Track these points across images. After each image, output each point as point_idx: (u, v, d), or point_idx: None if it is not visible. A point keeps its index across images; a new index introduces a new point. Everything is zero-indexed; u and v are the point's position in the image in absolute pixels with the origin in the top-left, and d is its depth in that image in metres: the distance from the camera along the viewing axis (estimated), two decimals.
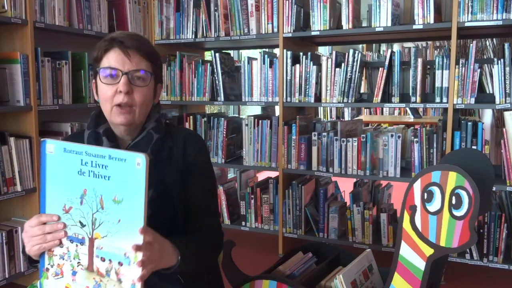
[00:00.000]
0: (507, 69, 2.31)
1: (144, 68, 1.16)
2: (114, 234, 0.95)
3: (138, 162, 0.92)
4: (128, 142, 1.21)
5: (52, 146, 0.99)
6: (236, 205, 3.12)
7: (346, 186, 3.23)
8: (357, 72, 2.62)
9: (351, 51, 2.62)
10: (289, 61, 2.76)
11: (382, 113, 5.95)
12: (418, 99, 2.52)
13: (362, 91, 3.20)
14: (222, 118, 2.99)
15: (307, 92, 2.75)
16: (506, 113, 2.29)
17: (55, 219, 0.99)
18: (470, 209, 1.16)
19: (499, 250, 2.39)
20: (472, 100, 2.37)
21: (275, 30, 2.78)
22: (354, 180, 3.06)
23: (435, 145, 2.49)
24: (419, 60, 2.52)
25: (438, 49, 5.60)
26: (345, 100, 2.65)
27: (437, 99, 2.47)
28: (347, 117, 6.15)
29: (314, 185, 2.94)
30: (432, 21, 2.43)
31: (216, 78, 2.96)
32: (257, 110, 4.48)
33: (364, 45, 6.78)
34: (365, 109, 6.01)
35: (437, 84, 2.47)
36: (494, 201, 2.52)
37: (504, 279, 2.56)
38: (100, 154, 0.95)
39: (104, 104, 1.16)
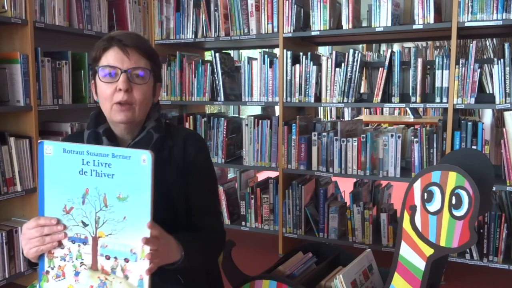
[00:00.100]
0: (507, 69, 2.31)
1: (143, 66, 1.16)
2: (119, 231, 0.96)
3: (143, 158, 0.93)
4: (128, 142, 1.21)
5: (50, 147, 0.99)
6: (236, 205, 3.12)
7: (346, 186, 3.23)
8: (357, 72, 2.62)
9: (351, 51, 2.62)
10: (289, 61, 2.76)
11: (382, 113, 5.95)
12: (418, 99, 2.52)
13: (362, 91, 3.20)
14: (222, 118, 2.99)
15: (307, 92, 2.75)
16: (506, 113, 2.29)
17: (54, 222, 0.99)
18: (470, 209, 1.16)
19: (499, 250, 2.39)
20: (472, 100, 2.37)
21: (275, 30, 2.78)
22: (354, 180, 3.06)
23: (435, 145, 2.49)
24: (419, 60, 2.52)
25: (438, 49, 5.60)
26: (345, 100, 2.65)
27: (437, 99, 2.47)
28: (347, 117, 6.15)
29: (314, 185, 2.94)
30: (432, 21, 2.43)
31: (216, 78, 2.96)
32: (257, 110, 4.48)
33: (364, 45, 6.78)
34: (365, 109, 6.01)
35: (437, 84, 2.47)
36: (494, 201, 2.52)
37: (504, 279, 2.56)
38: (103, 153, 0.96)
39: (104, 103, 1.17)
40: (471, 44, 2.39)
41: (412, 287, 1.29)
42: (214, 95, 3.01)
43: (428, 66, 2.76)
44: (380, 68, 2.60)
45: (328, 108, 6.21)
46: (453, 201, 1.19)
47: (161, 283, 1.13)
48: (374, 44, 7.02)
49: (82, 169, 0.97)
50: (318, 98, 2.76)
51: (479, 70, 2.37)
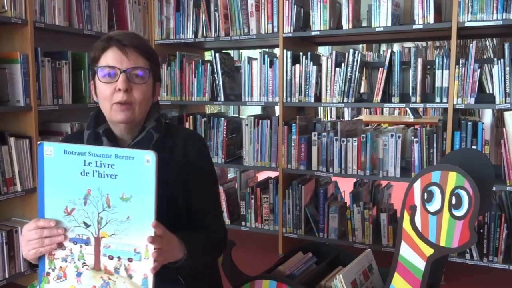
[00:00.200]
0: (507, 69, 2.31)
1: (142, 66, 1.16)
2: (123, 231, 0.96)
3: (147, 159, 0.94)
4: (128, 142, 1.21)
5: (50, 148, 0.99)
6: (236, 205, 3.12)
7: (346, 186, 3.23)
8: (357, 72, 2.62)
9: (351, 51, 2.62)
10: (289, 61, 2.76)
11: (382, 113, 5.95)
12: (418, 99, 2.52)
13: (362, 91, 3.20)
14: (222, 118, 2.99)
15: (307, 92, 2.75)
16: (506, 113, 2.29)
17: (52, 224, 0.99)
18: (470, 209, 1.16)
19: (499, 250, 2.39)
20: (472, 100, 2.37)
21: (275, 30, 2.78)
22: (354, 180, 3.06)
23: (435, 145, 2.49)
24: (419, 60, 2.52)
25: (438, 49, 5.60)
26: (345, 100, 2.65)
27: (437, 99, 2.47)
28: (347, 117, 6.15)
29: (314, 185, 2.94)
30: (432, 21, 2.43)
31: (216, 78, 2.96)
32: (257, 110, 4.48)
33: (364, 45, 6.78)
34: (365, 109, 6.01)
35: (437, 84, 2.47)
36: (494, 201, 2.52)
37: (504, 279, 2.56)
38: (106, 154, 0.96)
39: (103, 103, 1.16)
40: (471, 44, 2.39)
41: (412, 287, 1.29)
42: (214, 95, 3.01)
43: (428, 66, 2.76)
44: (380, 68, 2.60)
45: (328, 108, 6.21)
46: (453, 201, 1.19)
47: (161, 283, 1.14)
48: (374, 44, 7.02)
49: (84, 170, 0.97)
50: (318, 98, 2.76)
51: (479, 70, 2.37)
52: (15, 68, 2.22)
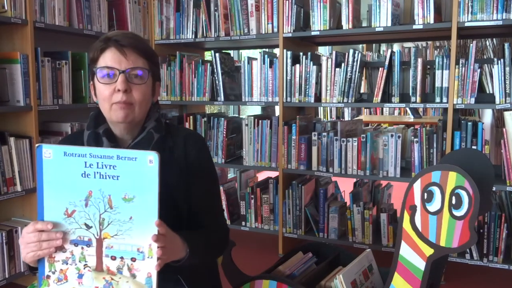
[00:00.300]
0: (507, 69, 2.31)
1: (141, 66, 1.16)
2: (125, 232, 0.97)
3: (150, 159, 0.94)
4: (128, 142, 1.21)
5: (49, 151, 0.99)
6: (236, 205, 3.12)
7: (346, 186, 3.23)
8: (357, 72, 2.62)
9: (351, 51, 2.62)
10: (289, 61, 2.76)
11: (382, 113, 5.95)
12: (418, 99, 2.52)
13: (362, 91, 3.20)
14: (222, 118, 2.99)
15: (307, 92, 2.75)
16: (506, 113, 2.29)
17: (50, 227, 0.98)
18: (470, 209, 1.16)
19: (499, 250, 2.39)
20: (472, 100, 2.37)
21: (275, 30, 2.78)
22: (354, 180, 3.06)
23: (435, 145, 2.49)
24: (419, 60, 2.52)
25: (438, 49, 5.60)
26: (345, 100, 2.65)
27: (437, 99, 2.47)
28: (347, 117, 6.15)
29: (314, 185, 2.94)
30: (432, 21, 2.43)
31: (216, 78, 2.96)
32: (257, 110, 4.48)
33: (364, 45, 6.78)
34: (365, 109, 6.01)
35: (437, 84, 2.47)
36: (494, 201, 2.52)
37: (504, 279, 2.56)
38: (107, 155, 0.96)
39: (103, 104, 1.16)
40: (471, 44, 2.39)
41: (412, 287, 1.29)
42: (214, 95, 3.01)
43: (428, 66, 2.75)
44: (380, 68, 2.59)
45: (328, 108, 6.21)
46: (453, 201, 1.19)
47: (164, 282, 1.14)
48: (374, 44, 7.02)
49: (85, 172, 0.97)
50: (318, 98, 2.76)
51: (479, 70, 2.37)
52: (15, 68, 2.22)
